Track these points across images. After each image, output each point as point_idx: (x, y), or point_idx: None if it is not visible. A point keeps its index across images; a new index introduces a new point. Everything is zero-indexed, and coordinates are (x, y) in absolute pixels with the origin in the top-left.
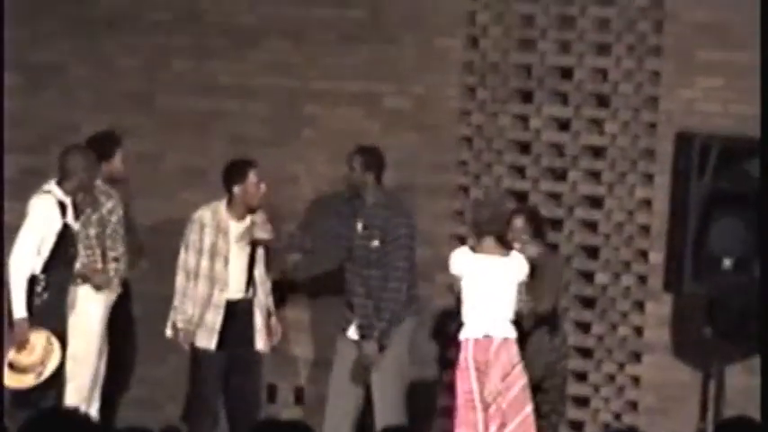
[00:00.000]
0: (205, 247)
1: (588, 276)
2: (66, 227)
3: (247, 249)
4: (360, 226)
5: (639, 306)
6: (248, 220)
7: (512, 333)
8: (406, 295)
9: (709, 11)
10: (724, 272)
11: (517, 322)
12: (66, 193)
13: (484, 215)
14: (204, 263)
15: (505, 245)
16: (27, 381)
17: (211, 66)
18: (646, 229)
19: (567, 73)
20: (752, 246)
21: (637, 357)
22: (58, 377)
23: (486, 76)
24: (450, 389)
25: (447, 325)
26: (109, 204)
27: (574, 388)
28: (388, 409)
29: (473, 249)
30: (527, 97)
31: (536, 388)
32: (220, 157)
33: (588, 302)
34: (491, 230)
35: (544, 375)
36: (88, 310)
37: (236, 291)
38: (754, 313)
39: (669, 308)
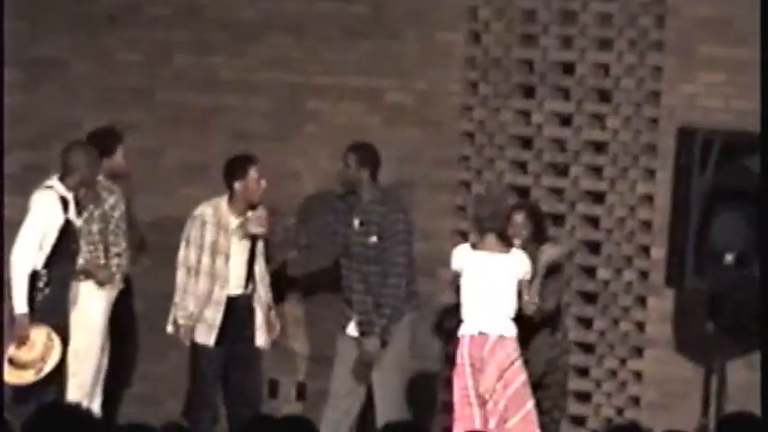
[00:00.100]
0: (206, 244)
1: (590, 272)
2: (67, 222)
3: (248, 245)
4: (357, 223)
5: (641, 301)
6: (249, 215)
7: (509, 331)
8: (406, 290)
9: (711, 6)
10: (726, 267)
11: (521, 319)
12: (69, 188)
13: (485, 212)
14: (205, 260)
15: (507, 242)
16: (27, 377)
17: (212, 61)
18: (647, 225)
19: (568, 68)
20: (753, 241)
21: (638, 353)
22: (58, 373)
23: (488, 71)
24: (450, 384)
25: (448, 320)
26: (111, 200)
27: (576, 383)
28: (389, 405)
29: (474, 246)
30: (529, 92)
31: (537, 384)
32: (222, 152)
33: (590, 298)
34: (492, 228)
35: (545, 371)
36: (90, 306)
37: (236, 287)
38: (755, 308)
39: (671, 303)
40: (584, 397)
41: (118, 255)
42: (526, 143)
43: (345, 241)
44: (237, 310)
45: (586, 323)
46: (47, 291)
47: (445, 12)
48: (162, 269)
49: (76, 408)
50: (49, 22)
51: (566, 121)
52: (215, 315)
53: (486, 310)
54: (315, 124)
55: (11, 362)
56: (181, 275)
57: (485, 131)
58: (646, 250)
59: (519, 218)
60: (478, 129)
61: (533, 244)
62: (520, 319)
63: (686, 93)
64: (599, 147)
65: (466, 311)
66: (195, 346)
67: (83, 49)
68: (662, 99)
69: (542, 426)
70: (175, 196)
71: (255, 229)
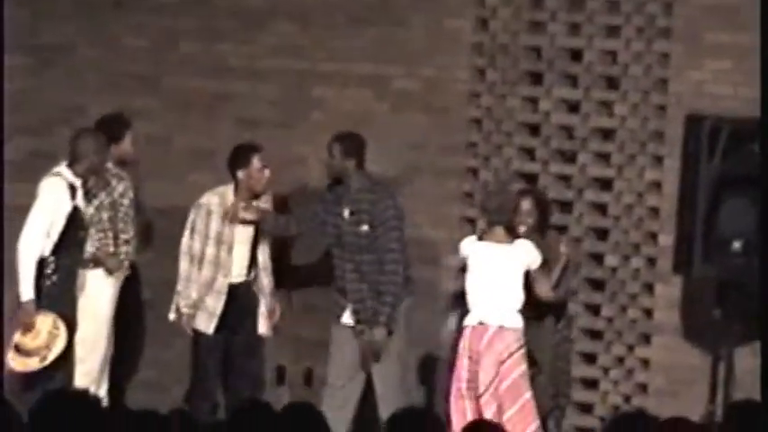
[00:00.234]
0: (211, 234)
1: (598, 258)
2: (75, 210)
3: (251, 232)
4: (347, 212)
5: (649, 288)
6: (254, 204)
7: (511, 322)
8: (403, 276)
9: None
10: (733, 254)
11: (530, 305)
12: (77, 175)
13: (492, 205)
14: (210, 249)
15: (513, 233)
16: (31, 364)
17: (219, 48)
18: (655, 212)
19: (576, 55)
20: (761, 228)
21: (646, 339)
22: (65, 360)
23: (496, 57)
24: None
25: (455, 308)
26: (120, 187)
27: (583, 370)
28: (389, 392)
29: (481, 237)
30: (537, 79)
31: (540, 371)
32: (229, 139)
33: (598, 285)
34: (499, 221)
35: (551, 359)
36: (98, 294)
37: (238, 274)
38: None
39: (679, 290)
40: (591, 384)
41: (126, 242)
42: (534, 130)
43: (336, 231)
44: (239, 298)
45: (594, 310)
46: (54, 278)
47: None
48: (169, 256)
49: (84, 395)
50: (55, 8)
51: (573, 107)
52: (216, 303)
53: (490, 300)
54: (321, 111)
55: (16, 349)
56: (184, 264)
57: (492, 118)
58: (653, 237)
59: (526, 205)
60: (486, 115)
61: (536, 234)
62: (528, 304)
63: (694, 80)
64: (607, 134)
65: (471, 303)
66: (196, 334)
67: (89, 34)
68: (669, 86)
69: (547, 413)
70: (183, 183)
71: (247, 214)
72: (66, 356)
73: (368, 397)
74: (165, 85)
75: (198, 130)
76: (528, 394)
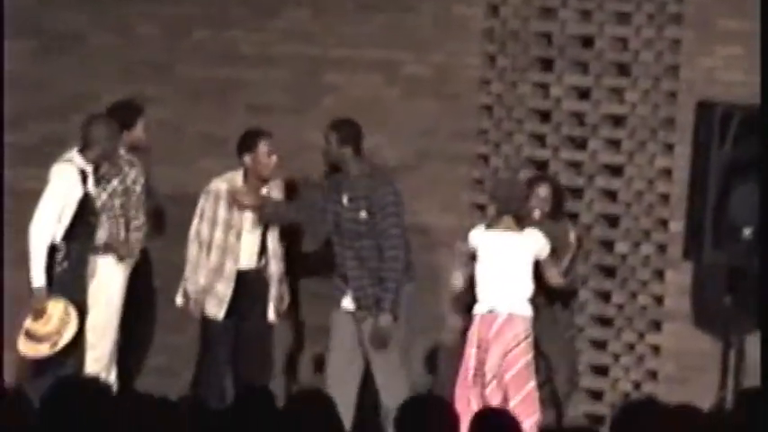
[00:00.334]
0: (220, 220)
1: (608, 245)
2: (86, 196)
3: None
4: (345, 199)
5: (659, 275)
6: (264, 191)
7: (520, 310)
8: (403, 262)
9: None
10: (744, 241)
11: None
12: (88, 161)
13: (501, 194)
14: (218, 234)
15: (522, 222)
16: (42, 350)
17: (231, 34)
18: (666, 198)
19: (587, 41)
20: None
21: (657, 326)
22: (76, 346)
23: (507, 44)
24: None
25: (464, 294)
26: (132, 174)
27: (593, 357)
28: (390, 379)
29: (490, 226)
30: (547, 66)
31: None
32: (240, 125)
33: (608, 271)
34: (507, 210)
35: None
36: (109, 280)
37: (248, 261)
38: None
39: (689, 277)
40: (601, 371)
41: (137, 228)
42: (544, 116)
43: (336, 219)
44: (249, 285)
45: (605, 297)
46: (65, 264)
47: None
48: (179, 242)
49: (95, 381)
50: None
51: (584, 94)
52: (226, 289)
53: (500, 289)
54: (333, 97)
55: (27, 334)
56: (193, 250)
57: (503, 105)
58: (664, 224)
59: (543, 191)
60: (496, 102)
61: (550, 220)
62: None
63: (705, 66)
64: (617, 120)
65: (480, 292)
66: (205, 319)
67: (101, 21)
68: (681, 73)
69: (554, 400)
70: (194, 169)
71: (245, 199)
72: (77, 343)
73: (368, 384)
74: (176, 72)
75: (209, 116)
76: (532, 384)
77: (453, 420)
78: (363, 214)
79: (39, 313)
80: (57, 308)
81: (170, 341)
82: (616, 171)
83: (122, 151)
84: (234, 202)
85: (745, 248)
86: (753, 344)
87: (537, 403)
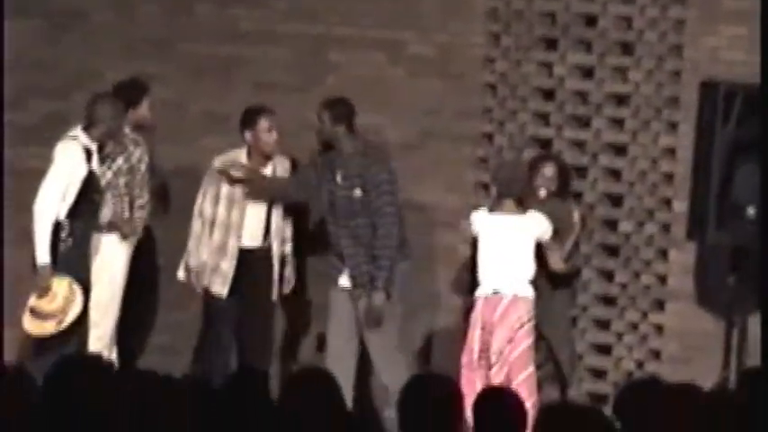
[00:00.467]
0: (222, 195)
1: (612, 224)
2: (90, 174)
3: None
4: (339, 177)
5: (663, 254)
6: (269, 168)
7: (524, 291)
8: (397, 239)
9: None
10: (748, 220)
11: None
12: (93, 139)
13: (503, 177)
14: (221, 210)
15: (524, 204)
16: (48, 327)
17: (233, 12)
18: (669, 178)
19: (591, 21)
20: None
21: (660, 306)
22: (80, 324)
23: (511, 23)
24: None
25: (468, 274)
26: (137, 153)
27: (596, 336)
28: (388, 357)
29: (492, 208)
30: (551, 45)
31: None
32: (243, 103)
33: (612, 251)
34: (509, 194)
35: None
36: (113, 258)
37: (251, 239)
38: None
39: (693, 256)
40: (604, 350)
41: (141, 207)
42: (548, 95)
43: (330, 197)
44: (253, 264)
45: (608, 276)
46: (69, 241)
47: None
48: (183, 220)
49: (98, 359)
50: None
51: (588, 73)
52: (229, 267)
53: (502, 271)
54: (336, 76)
55: (32, 312)
56: (196, 225)
57: (507, 83)
58: (668, 203)
59: (549, 170)
60: (500, 81)
61: (556, 198)
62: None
63: (709, 46)
64: (621, 99)
65: (482, 274)
66: (208, 297)
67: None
68: (684, 52)
69: (558, 379)
70: (197, 147)
71: (237, 173)
72: (81, 321)
73: (367, 364)
74: (179, 49)
75: (212, 94)
76: (531, 368)
77: (458, 399)
78: (358, 192)
79: (44, 291)
80: (61, 286)
81: (173, 319)
82: (620, 150)
83: (127, 130)
84: (223, 174)
85: (749, 228)
86: (756, 323)
87: (534, 388)
